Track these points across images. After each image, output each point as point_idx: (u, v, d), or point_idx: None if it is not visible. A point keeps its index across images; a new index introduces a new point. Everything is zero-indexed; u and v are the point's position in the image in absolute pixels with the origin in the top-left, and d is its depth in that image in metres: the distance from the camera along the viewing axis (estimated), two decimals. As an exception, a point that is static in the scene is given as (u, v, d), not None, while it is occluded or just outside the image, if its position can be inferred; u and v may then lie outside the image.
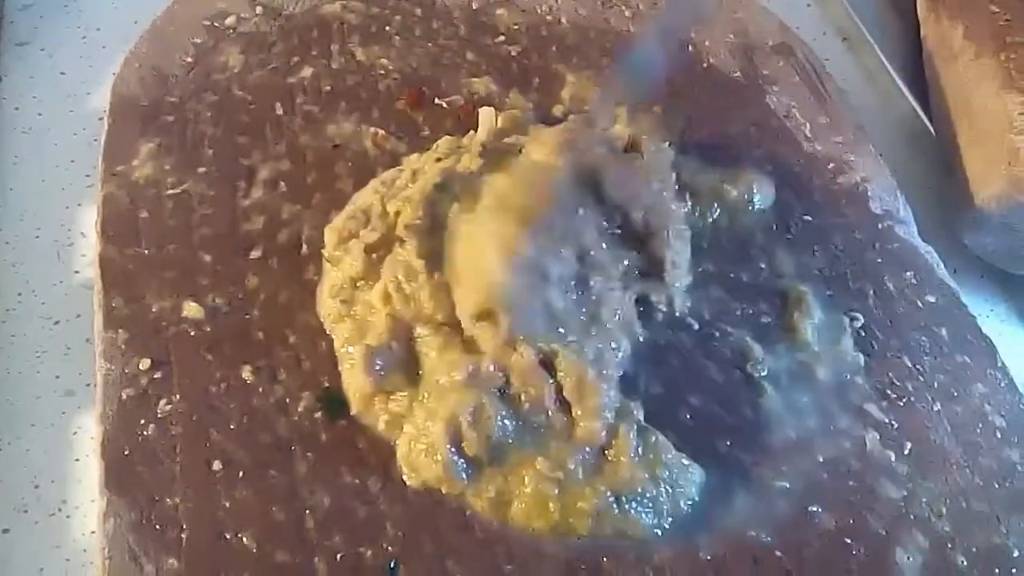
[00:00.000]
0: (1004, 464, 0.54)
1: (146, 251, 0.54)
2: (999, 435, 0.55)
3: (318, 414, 0.50)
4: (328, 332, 0.52)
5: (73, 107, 0.64)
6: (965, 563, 0.50)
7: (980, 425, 0.55)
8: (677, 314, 0.56)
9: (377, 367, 0.49)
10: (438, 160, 0.56)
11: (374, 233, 0.53)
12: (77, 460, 0.51)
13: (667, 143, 0.60)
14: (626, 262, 0.55)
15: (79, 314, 0.55)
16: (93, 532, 0.47)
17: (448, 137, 0.59)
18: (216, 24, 0.65)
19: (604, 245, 0.54)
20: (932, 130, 0.73)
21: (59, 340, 0.54)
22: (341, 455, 0.49)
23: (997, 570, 0.50)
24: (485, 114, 0.60)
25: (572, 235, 0.53)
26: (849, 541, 0.50)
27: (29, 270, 0.57)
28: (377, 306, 0.51)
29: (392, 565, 0.46)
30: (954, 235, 0.67)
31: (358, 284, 0.52)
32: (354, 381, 0.50)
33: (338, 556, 0.46)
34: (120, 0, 0.70)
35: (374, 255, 0.52)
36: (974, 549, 0.51)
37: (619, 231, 0.55)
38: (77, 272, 0.57)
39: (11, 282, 0.56)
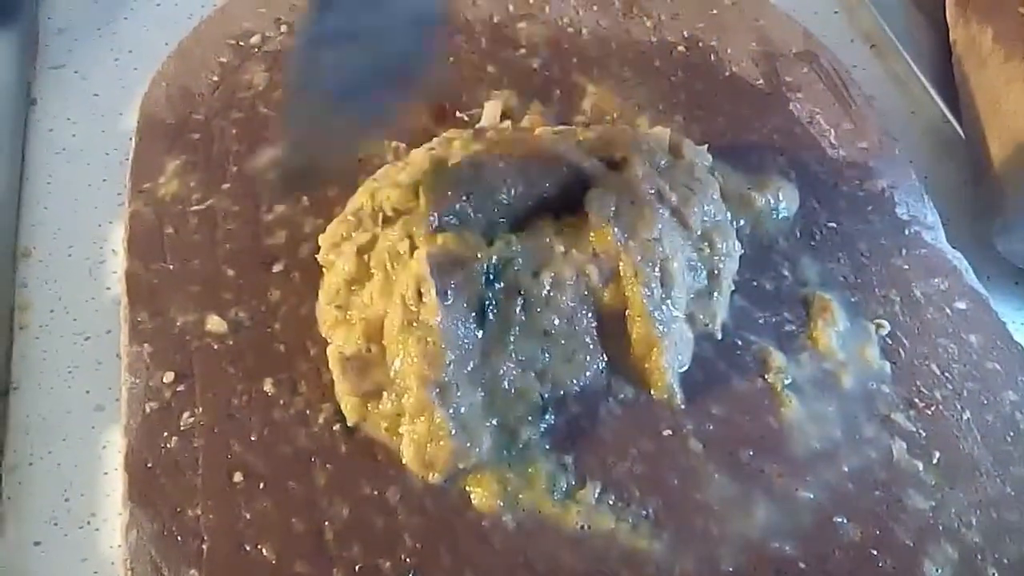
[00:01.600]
0: (1036, 474, 0.53)
1: (171, 266, 0.55)
2: (1031, 444, 0.54)
3: (337, 426, 0.50)
4: (328, 340, 0.52)
5: (105, 127, 0.65)
6: (996, 575, 0.49)
7: (1011, 433, 0.54)
8: (717, 329, 0.56)
9: (352, 372, 0.49)
10: (430, 150, 0.56)
11: (365, 234, 0.53)
12: (106, 473, 0.51)
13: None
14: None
15: (109, 330, 0.56)
16: (120, 545, 0.48)
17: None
18: (241, 43, 0.66)
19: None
20: (962, 135, 0.72)
21: (90, 355, 0.55)
22: (360, 466, 0.49)
23: (1029, 582, 0.49)
24: (491, 105, 0.60)
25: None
26: (875, 552, 0.49)
27: (61, 287, 0.58)
28: (375, 301, 0.51)
29: (411, 576, 0.46)
30: (986, 242, 0.65)
31: (352, 287, 0.52)
32: (340, 390, 0.50)
33: (356, 567, 0.46)
34: (152, 23, 0.71)
35: (366, 256, 0.52)
36: (1005, 561, 0.50)
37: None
38: (108, 288, 0.58)
39: (44, 298, 0.57)
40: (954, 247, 0.63)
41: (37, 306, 0.57)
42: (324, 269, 0.55)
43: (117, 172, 0.62)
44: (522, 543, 0.48)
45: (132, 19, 0.72)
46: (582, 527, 0.49)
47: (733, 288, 0.57)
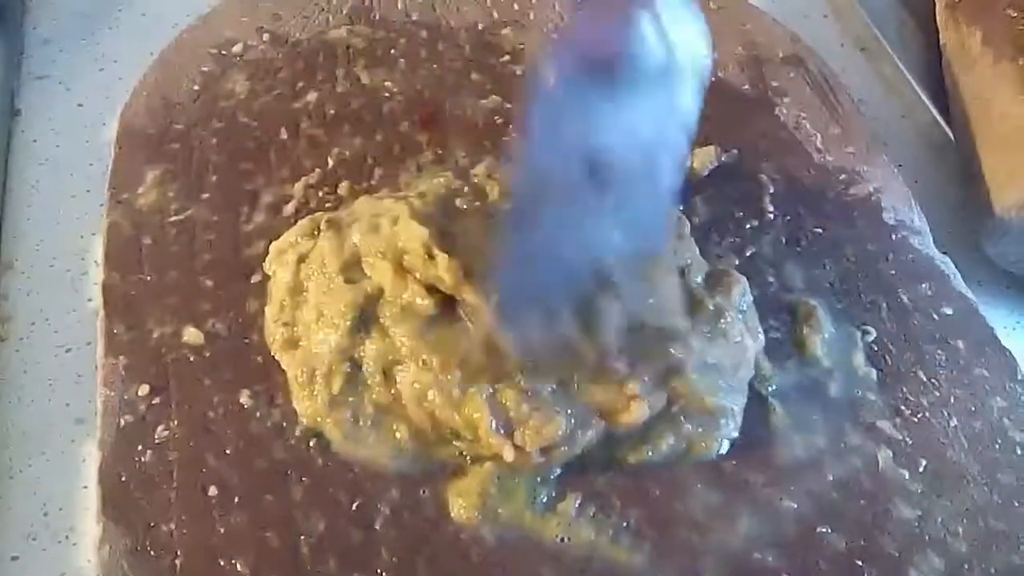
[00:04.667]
0: (1024, 481, 0.52)
1: (148, 277, 0.54)
2: (1019, 451, 0.53)
3: (314, 439, 0.49)
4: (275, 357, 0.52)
5: (89, 138, 0.65)
6: (983, 585, 0.49)
7: (999, 441, 0.53)
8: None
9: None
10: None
11: (311, 241, 0.52)
12: (85, 487, 0.51)
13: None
14: None
15: (90, 342, 0.55)
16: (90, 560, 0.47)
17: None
18: (223, 52, 0.65)
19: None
20: (952, 138, 0.72)
21: (70, 368, 0.55)
22: (336, 479, 0.48)
23: (1017, 591, 0.48)
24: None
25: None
26: (860, 563, 0.49)
27: (43, 299, 0.57)
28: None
29: (387, 591, 0.46)
30: (977, 246, 0.65)
31: (296, 298, 0.52)
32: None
33: (332, 582, 0.45)
34: (137, 33, 0.71)
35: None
36: (993, 570, 0.49)
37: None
38: (90, 301, 0.57)
39: (25, 310, 0.57)
40: (944, 251, 0.62)
41: (18, 318, 0.56)
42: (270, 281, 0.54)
43: (100, 183, 0.61)
44: (501, 556, 0.47)
45: (117, 29, 0.72)
46: (562, 539, 0.48)
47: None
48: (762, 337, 0.54)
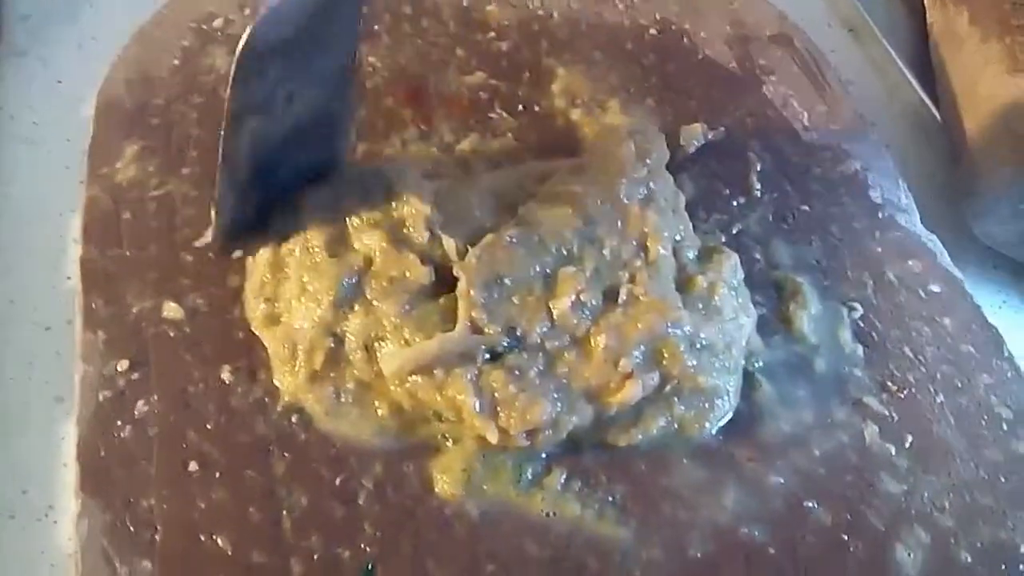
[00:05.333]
0: (1011, 457, 0.52)
1: (127, 252, 0.53)
2: (1005, 427, 0.53)
3: (295, 415, 0.49)
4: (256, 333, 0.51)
5: (68, 115, 0.64)
6: (969, 559, 0.48)
7: (985, 417, 0.53)
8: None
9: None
10: None
11: None
12: (65, 465, 0.50)
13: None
14: None
15: (70, 320, 0.54)
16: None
17: None
18: (204, 27, 0.64)
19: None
20: (939, 119, 0.72)
21: (50, 346, 0.54)
22: (319, 454, 0.48)
23: (1004, 566, 0.48)
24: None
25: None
26: (846, 537, 0.48)
27: (22, 276, 0.56)
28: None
29: (370, 566, 0.45)
30: (964, 227, 0.65)
31: (277, 274, 0.51)
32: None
33: (315, 557, 0.45)
34: (117, 9, 0.70)
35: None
36: (979, 544, 0.49)
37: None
38: (69, 278, 0.56)
39: (4, 288, 0.55)
40: (931, 231, 0.62)
41: (-2, 296, 0.55)
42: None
43: (79, 161, 0.60)
44: (485, 531, 0.47)
45: (97, 5, 0.70)
46: (547, 514, 0.48)
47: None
48: (754, 313, 0.54)
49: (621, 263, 0.52)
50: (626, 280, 0.51)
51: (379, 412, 0.49)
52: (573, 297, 0.50)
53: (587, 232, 0.52)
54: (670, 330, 0.50)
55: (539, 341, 0.49)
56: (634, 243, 0.53)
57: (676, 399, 0.50)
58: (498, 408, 0.48)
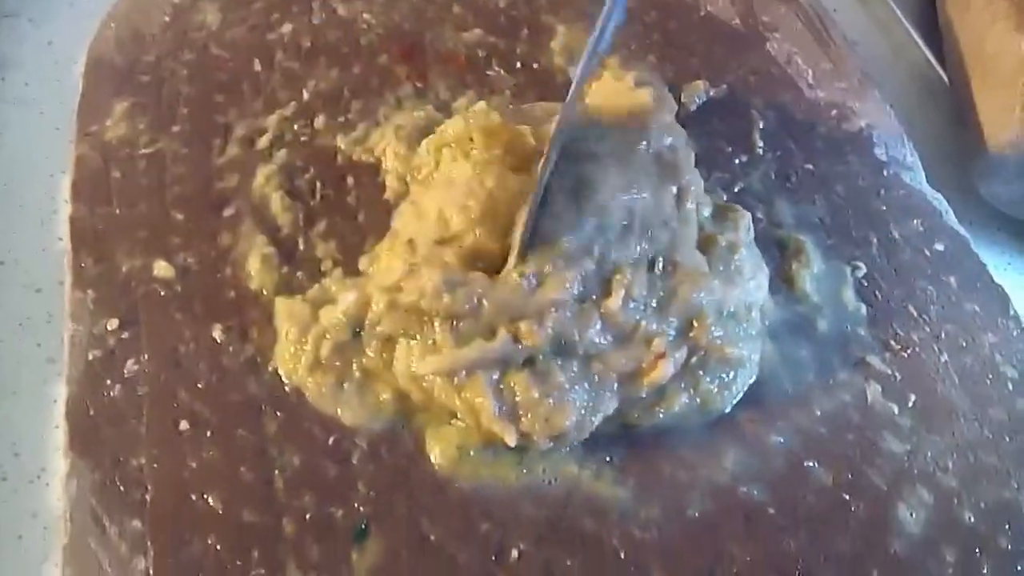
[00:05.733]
0: (1016, 416, 0.51)
1: (117, 211, 0.52)
2: (1010, 386, 0.52)
3: (288, 373, 0.48)
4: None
5: (60, 76, 0.63)
6: (972, 519, 0.48)
7: (990, 376, 0.53)
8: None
9: None
10: None
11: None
12: (56, 427, 0.49)
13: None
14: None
15: (61, 282, 0.54)
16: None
17: None
18: (195, -17, 0.63)
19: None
20: (946, 80, 0.70)
21: (41, 308, 0.53)
22: (312, 414, 0.47)
23: (1007, 525, 0.48)
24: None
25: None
26: (848, 497, 0.48)
27: (13, 238, 0.55)
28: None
29: (364, 525, 0.44)
30: (970, 187, 0.64)
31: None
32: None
33: (307, 516, 0.44)
34: (108, -32, 0.69)
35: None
36: (982, 504, 0.48)
37: None
38: (61, 240, 0.55)
39: (-5, 250, 0.55)
40: (936, 191, 0.61)
41: (-13, 258, 0.54)
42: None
43: (70, 122, 0.59)
44: (481, 492, 0.46)
45: (88, -36, 0.69)
46: (547, 482, 0.47)
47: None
48: (767, 271, 0.53)
49: (662, 221, 0.50)
50: (665, 241, 0.50)
51: (381, 398, 0.48)
52: (623, 294, 0.48)
53: (634, 195, 0.50)
54: (703, 298, 0.49)
55: (584, 350, 0.47)
56: (673, 196, 0.51)
57: (701, 372, 0.49)
58: (520, 411, 0.46)
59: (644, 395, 0.48)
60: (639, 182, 0.50)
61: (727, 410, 0.50)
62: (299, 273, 0.51)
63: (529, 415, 0.46)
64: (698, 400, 0.49)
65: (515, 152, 0.50)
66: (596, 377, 0.47)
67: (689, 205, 0.51)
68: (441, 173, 0.51)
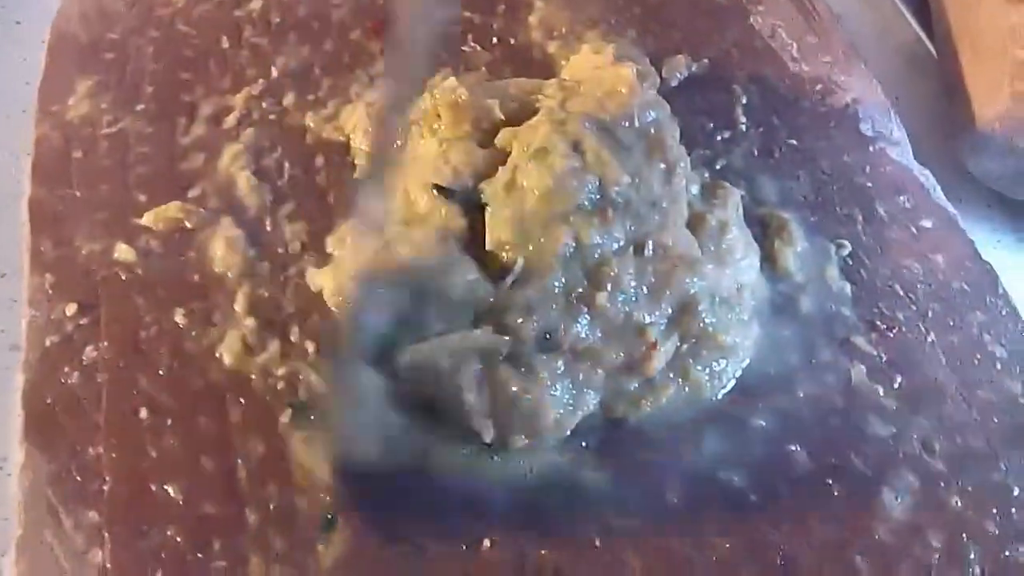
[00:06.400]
0: (1004, 397, 0.50)
1: (78, 192, 0.51)
2: (999, 366, 0.51)
3: (253, 359, 0.46)
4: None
5: (26, 56, 0.62)
6: (960, 503, 0.46)
7: (978, 356, 0.51)
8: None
9: None
10: None
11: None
12: (20, 415, 0.48)
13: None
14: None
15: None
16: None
17: None
18: (161, -42, 0.61)
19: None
20: (935, 54, 0.69)
21: (4, 294, 0.52)
22: (278, 401, 0.45)
23: (995, 509, 0.46)
24: None
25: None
26: (831, 482, 0.46)
27: (-25, 222, 0.54)
28: None
29: (330, 516, 0.43)
30: (959, 165, 0.63)
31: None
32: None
33: (271, 507, 0.43)
34: (76, -56, 0.67)
35: None
36: (970, 488, 0.47)
37: None
38: (24, 224, 0.54)
39: (-44, 235, 0.53)
40: (924, 167, 0.60)
41: (-52, 243, 0.53)
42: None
43: (35, 101, 0.58)
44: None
45: (56, -57, 0.67)
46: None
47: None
48: (758, 249, 0.51)
49: (650, 201, 0.48)
50: (655, 220, 0.48)
51: None
52: (610, 288, 0.46)
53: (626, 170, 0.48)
54: (696, 284, 0.47)
55: (570, 346, 0.46)
56: (661, 172, 0.50)
57: (691, 361, 0.48)
58: (499, 407, 0.45)
59: (633, 388, 0.47)
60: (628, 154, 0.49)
61: (716, 399, 0.48)
62: (265, 256, 0.50)
63: (509, 412, 0.45)
64: (686, 390, 0.48)
65: (482, 128, 0.49)
66: (581, 375, 0.46)
67: (678, 182, 0.50)
68: (408, 150, 0.50)
